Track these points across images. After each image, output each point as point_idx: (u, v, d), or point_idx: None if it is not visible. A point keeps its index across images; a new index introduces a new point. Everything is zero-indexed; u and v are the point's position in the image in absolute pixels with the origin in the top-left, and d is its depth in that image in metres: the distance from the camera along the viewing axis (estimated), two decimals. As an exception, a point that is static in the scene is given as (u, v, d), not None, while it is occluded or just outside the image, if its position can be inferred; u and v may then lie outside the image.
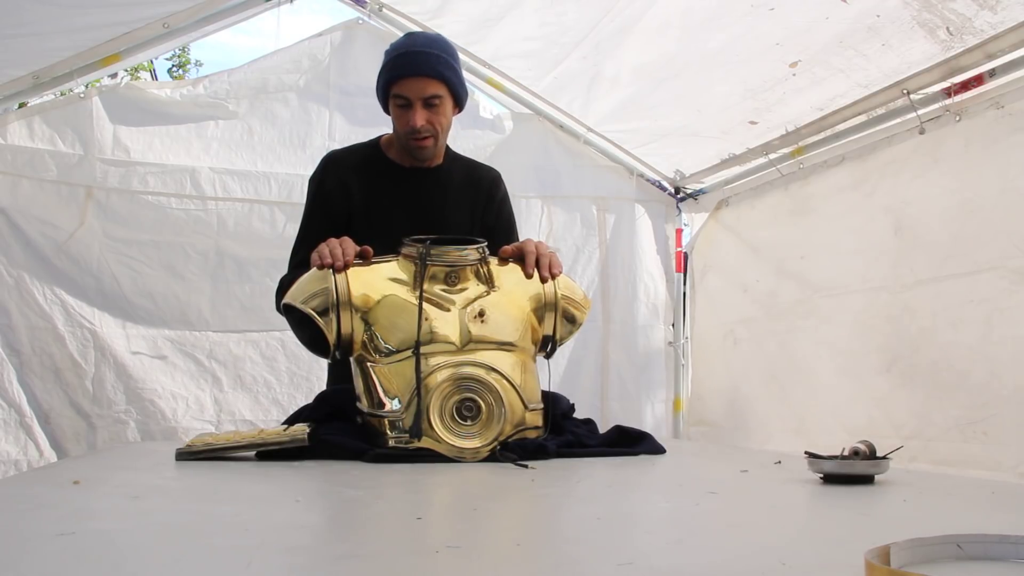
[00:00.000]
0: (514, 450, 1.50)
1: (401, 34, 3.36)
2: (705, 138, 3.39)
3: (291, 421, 1.71)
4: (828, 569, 0.67)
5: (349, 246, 1.66)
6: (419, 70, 1.85)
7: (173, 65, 12.22)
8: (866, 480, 1.18)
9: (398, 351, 1.58)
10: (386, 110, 1.96)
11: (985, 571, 0.67)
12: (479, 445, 1.52)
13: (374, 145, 2.07)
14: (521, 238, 2.20)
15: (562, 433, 1.66)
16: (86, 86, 3.25)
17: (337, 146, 2.18)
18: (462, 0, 3.17)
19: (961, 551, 0.68)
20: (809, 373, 3.07)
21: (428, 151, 1.96)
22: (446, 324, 1.61)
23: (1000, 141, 2.34)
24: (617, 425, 1.76)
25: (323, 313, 1.61)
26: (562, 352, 3.56)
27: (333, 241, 1.68)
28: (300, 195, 3.25)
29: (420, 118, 1.88)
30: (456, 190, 2.04)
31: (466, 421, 1.53)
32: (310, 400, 1.82)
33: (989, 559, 0.68)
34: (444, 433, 1.52)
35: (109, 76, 3.53)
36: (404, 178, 2.01)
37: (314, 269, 1.68)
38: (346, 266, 1.63)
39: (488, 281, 1.70)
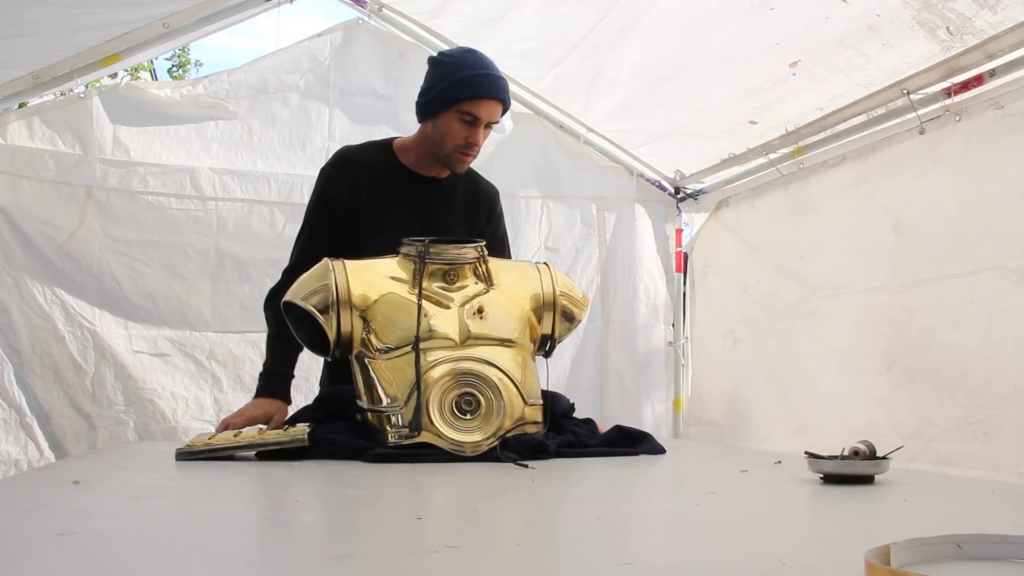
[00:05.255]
0: (514, 448, 1.50)
1: (401, 34, 3.41)
2: (705, 138, 3.39)
3: (291, 422, 1.71)
4: (828, 569, 0.67)
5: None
6: (498, 95, 1.91)
7: (173, 65, 12.23)
8: (866, 480, 1.18)
9: (397, 348, 1.59)
10: (431, 115, 1.95)
11: (985, 571, 0.67)
12: (479, 439, 1.52)
13: (387, 147, 2.07)
14: (520, 239, 2.22)
15: (562, 433, 1.66)
16: (86, 86, 3.24)
17: (337, 146, 2.18)
18: (462, 0, 3.17)
19: (961, 551, 0.68)
20: (809, 373, 3.07)
21: (467, 165, 2.01)
22: (445, 321, 1.61)
23: (1000, 141, 2.34)
24: (617, 425, 1.76)
25: (323, 311, 1.62)
26: (563, 352, 3.58)
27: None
28: (300, 195, 3.28)
29: (481, 138, 1.94)
30: (459, 202, 2.06)
31: (465, 415, 1.54)
32: (309, 400, 1.82)
33: (989, 559, 0.68)
34: (444, 427, 1.52)
35: (109, 76, 3.52)
36: (413, 184, 2.02)
37: (314, 267, 1.69)
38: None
39: (487, 279, 1.70)
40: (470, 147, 1.94)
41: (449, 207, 2.03)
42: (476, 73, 1.89)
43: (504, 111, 1.96)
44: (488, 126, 1.94)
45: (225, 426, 1.77)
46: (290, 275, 1.85)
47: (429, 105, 1.94)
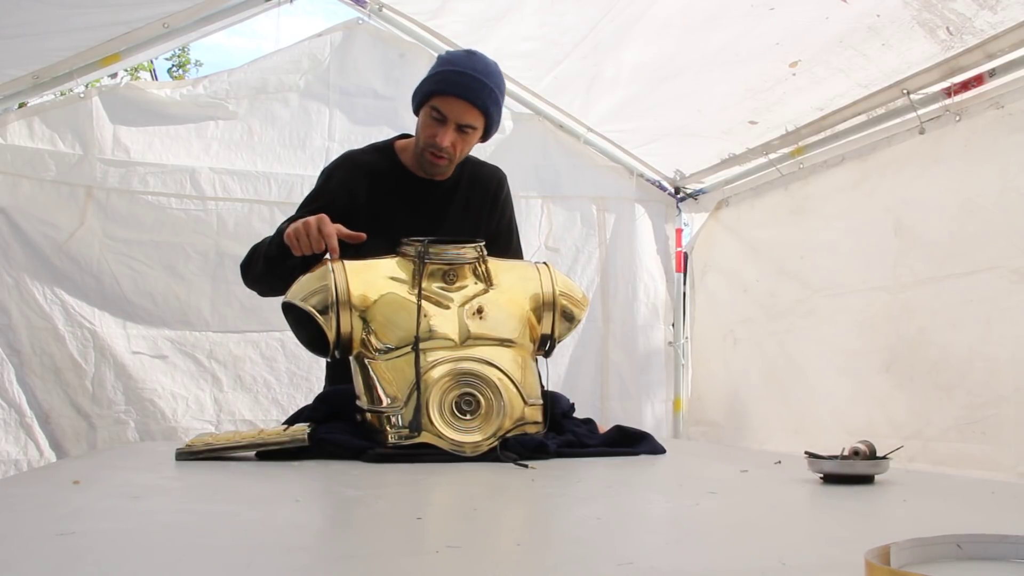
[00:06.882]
0: (514, 448, 1.50)
1: (401, 34, 3.42)
2: (705, 138, 3.39)
3: (291, 422, 1.71)
4: (828, 569, 0.67)
5: (327, 230, 1.68)
6: (468, 95, 1.84)
7: (173, 65, 12.24)
8: (866, 480, 1.18)
9: (397, 348, 1.59)
10: (416, 111, 1.95)
11: (985, 571, 0.67)
12: (479, 439, 1.52)
13: (389, 148, 2.06)
14: (521, 238, 2.21)
15: (562, 433, 1.66)
16: (86, 86, 3.25)
17: (337, 146, 2.19)
18: (462, 0, 3.17)
19: (961, 551, 0.68)
20: (809, 373, 3.07)
21: (440, 169, 1.96)
22: (445, 321, 1.61)
23: (1000, 141, 2.34)
24: (617, 425, 1.76)
25: (323, 311, 1.62)
26: (563, 352, 3.58)
27: (311, 223, 1.69)
28: (300, 195, 3.24)
29: (448, 139, 1.87)
30: (462, 198, 2.04)
31: (465, 416, 1.54)
32: (310, 400, 1.82)
33: (989, 559, 0.68)
34: (444, 428, 1.52)
35: (109, 76, 3.53)
36: (413, 187, 2.00)
37: (314, 268, 1.69)
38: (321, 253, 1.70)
39: (486, 279, 1.70)
40: (438, 147, 1.88)
41: (450, 207, 2.02)
42: (449, 70, 1.86)
43: (486, 118, 1.88)
44: (463, 131, 1.88)
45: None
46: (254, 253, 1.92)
47: (413, 101, 1.94)
